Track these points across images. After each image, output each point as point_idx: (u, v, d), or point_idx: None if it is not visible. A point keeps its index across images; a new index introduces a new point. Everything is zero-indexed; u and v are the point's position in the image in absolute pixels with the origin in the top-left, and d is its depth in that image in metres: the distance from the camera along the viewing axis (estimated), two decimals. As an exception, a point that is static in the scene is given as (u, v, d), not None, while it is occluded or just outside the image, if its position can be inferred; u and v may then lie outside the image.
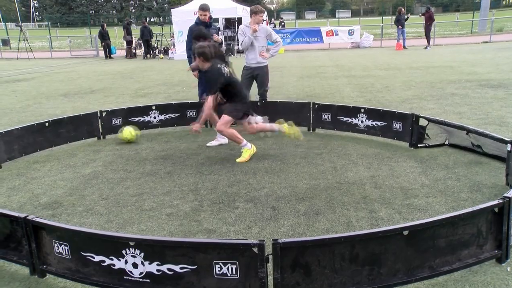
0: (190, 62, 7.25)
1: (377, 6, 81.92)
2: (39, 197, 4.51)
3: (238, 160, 5.42)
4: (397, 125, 5.89)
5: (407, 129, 5.74)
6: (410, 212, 3.87)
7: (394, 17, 25.57)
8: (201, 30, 6.46)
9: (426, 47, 20.20)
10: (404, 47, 20.57)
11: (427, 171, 4.88)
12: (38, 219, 2.90)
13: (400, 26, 20.56)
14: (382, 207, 4.00)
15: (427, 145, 5.69)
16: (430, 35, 20.69)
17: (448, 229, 2.68)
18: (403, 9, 21.57)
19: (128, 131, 6.40)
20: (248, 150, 5.47)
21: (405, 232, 2.59)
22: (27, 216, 2.92)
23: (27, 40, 23.77)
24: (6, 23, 45.88)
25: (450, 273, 2.78)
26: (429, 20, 20.30)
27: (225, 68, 5.26)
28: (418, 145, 5.67)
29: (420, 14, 22.46)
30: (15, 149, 5.69)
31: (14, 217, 2.97)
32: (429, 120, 5.68)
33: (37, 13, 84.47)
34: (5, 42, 28.96)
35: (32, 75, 15.98)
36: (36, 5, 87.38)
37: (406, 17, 21.55)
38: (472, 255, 2.82)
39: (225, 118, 5.32)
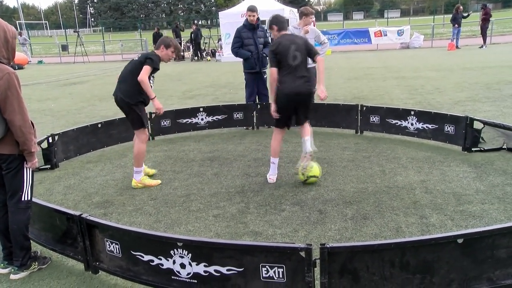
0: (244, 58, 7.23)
1: (428, 5, 79.41)
2: (92, 196, 4.69)
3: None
4: (449, 128, 5.67)
5: (460, 132, 5.51)
6: (464, 219, 3.70)
7: (445, 16, 24.64)
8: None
9: (482, 46, 19.31)
10: (457, 46, 19.75)
11: (483, 176, 4.65)
12: (91, 218, 3.01)
13: (456, 25, 19.73)
14: (434, 213, 3.86)
15: (482, 149, 5.43)
16: (486, 33, 19.78)
17: (510, 239, 2.53)
18: (461, 7, 20.62)
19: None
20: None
21: (460, 240, 2.47)
22: (81, 214, 3.04)
23: (83, 45, 24.87)
24: (66, 30, 48.21)
25: (513, 286, 2.62)
26: (486, 17, 19.40)
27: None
28: (472, 149, 5.43)
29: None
30: (71, 150, 5.96)
31: (70, 215, 3.10)
32: (485, 123, 5.43)
33: (92, 19, 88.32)
34: (64, 48, 30.42)
35: (86, 78, 16.69)
36: (92, 11, 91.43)
37: (466, 15, 20.65)
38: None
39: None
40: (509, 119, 6.57)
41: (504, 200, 4.02)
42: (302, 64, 4.60)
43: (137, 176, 4.90)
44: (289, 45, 4.53)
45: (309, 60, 6.89)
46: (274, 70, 4.55)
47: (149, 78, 4.63)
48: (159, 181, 5.00)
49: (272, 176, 4.90)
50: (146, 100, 4.74)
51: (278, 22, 4.79)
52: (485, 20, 19.45)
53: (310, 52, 4.69)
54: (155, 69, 4.66)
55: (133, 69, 4.60)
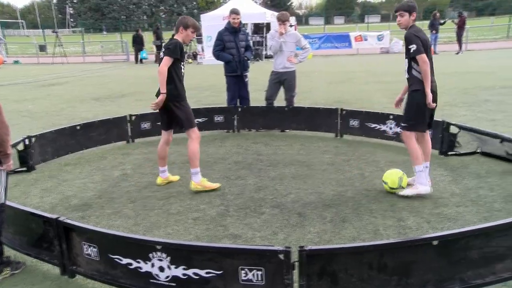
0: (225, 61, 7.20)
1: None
2: (70, 199, 4.62)
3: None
4: (427, 132, 5.76)
5: (437, 136, 5.61)
6: (439, 222, 3.78)
7: (423, 22, 25.14)
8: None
9: (458, 52, 19.79)
10: (435, 52, 20.17)
11: (458, 179, 4.75)
12: (68, 221, 2.97)
13: (434, 31, 20.19)
14: (411, 215, 3.92)
15: (458, 153, 5.55)
16: (462, 39, 20.29)
17: (482, 240, 2.60)
18: (438, 14, 21.15)
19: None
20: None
21: (435, 242, 2.52)
22: (59, 217, 3.00)
23: (62, 45, 24.49)
24: (44, 30, 47.30)
25: (483, 286, 2.68)
26: (462, 24, 19.97)
27: None
28: (449, 153, 5.54)
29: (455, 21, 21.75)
30: (48, 152, 5.85)
31: (46, 218, 3.05)
32: (460, 127, 5.55)
33: (71, 19, 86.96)
34: (42, 48, 29.89)
35: (66, 79, 16.42)
36: (71, 12, 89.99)
37: (442, 21, 21.20)
38: (508, 269, 2.71)
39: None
40: (483, 124, 6.72)
41: (477, 202, 4.12)
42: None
43: (195, 178, 4.65)
44: (427, 39, 4.22)
45: (288, 64, 6.99)
46: (426, 57, 4.13)
47: (180, 69, 4.47)
48: (219, 184, 4.79)
49: (428, 185, 4.30)
50: (184, 96, 4.60)
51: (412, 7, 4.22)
52: (461, 28, 19.99)
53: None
54: (177, 58, 4.39)
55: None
